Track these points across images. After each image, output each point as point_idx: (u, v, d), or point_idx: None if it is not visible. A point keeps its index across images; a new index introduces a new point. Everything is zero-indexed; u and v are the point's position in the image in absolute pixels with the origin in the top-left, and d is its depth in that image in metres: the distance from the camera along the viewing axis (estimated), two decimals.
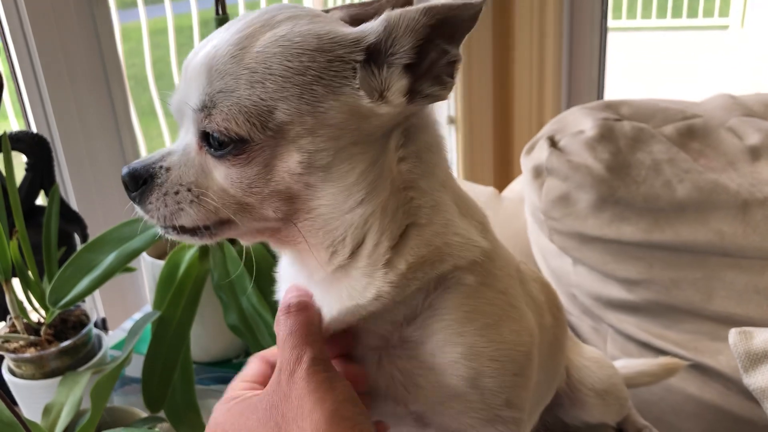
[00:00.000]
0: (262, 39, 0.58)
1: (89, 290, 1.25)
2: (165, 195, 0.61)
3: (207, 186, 0.61)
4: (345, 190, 0.60)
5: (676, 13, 7.24)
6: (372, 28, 0.59)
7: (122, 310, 1.97)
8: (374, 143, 0.60)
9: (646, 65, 6.03)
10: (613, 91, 2.82)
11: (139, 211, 0.64)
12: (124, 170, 0.62)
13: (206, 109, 0.58)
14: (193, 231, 0.63)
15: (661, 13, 7.22)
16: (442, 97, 0.62)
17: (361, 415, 0.58)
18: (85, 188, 1.86)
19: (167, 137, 3.81)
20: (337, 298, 0.62)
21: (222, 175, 0.60)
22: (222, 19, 1.40)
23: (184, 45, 3.84)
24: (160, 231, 0.65)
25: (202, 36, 3.90)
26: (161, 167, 0.62)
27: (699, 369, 1.19)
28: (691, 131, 1.31)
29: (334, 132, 0.58)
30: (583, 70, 2.64)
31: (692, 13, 7.19)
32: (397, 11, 0.58)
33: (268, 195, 0.59)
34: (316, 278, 0.64)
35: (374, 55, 0.59)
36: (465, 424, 0.65)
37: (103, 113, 1.87)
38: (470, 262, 0.64)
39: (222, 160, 0.59)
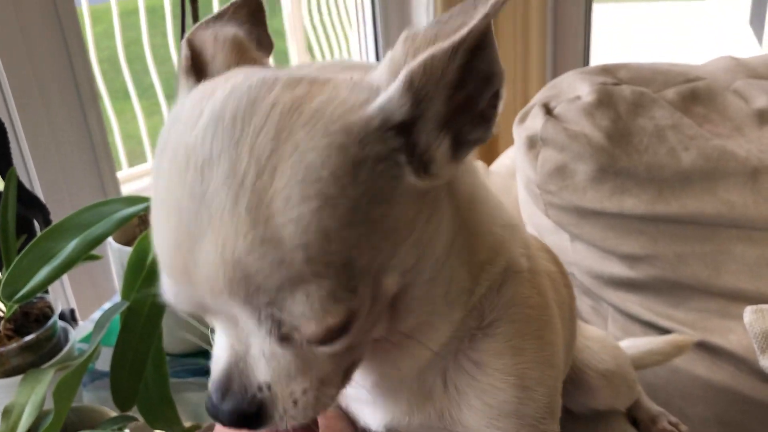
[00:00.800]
0: (280, 195, 0.41)
1: (48, 281, 1.15)
2: (285, 413, 0.48)
3: (319, 371, 0.48)
4: (431, 265, 0.50)
5: None
6: (394, 100, 0.44)
7: (94, 300, 1.89)
8: (436, 206, 0.49)
9: (627, 36, 5.98)
10: (599, 59, 2.75)
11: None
12: (223, 414, 0.48)
13: (285, 324, 0.44)
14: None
15: None
16: (487, 139, 0.49)
17: None
18: (49, 174, 1.77)
19: (141, 121, 3.70)
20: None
21: (316, 352, 0.47)
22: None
23: (157, 26, 3.72)
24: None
25: (175, 16, 3.77)
26: (260, 389, 0.47)
27: (708, 349, 1.12)
28: (695, 95, 1.23)
29: (407, 230, 0.46)
30: (568, 40, 2.59)
31: None
32: (419, 61, 0.43)
33: (371, 326, 0.48)
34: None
35: (404, 128, 0.45)
36: None
37: (67, 95, 1.78)
38: (520, 245, 0.59)
39: (317, 345, 0.46)
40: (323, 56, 4.38)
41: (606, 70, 1.27)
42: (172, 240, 0.44)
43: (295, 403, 0.47)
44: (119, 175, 3.57)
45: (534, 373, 0.57)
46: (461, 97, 0.45)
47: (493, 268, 0.56)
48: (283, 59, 4.23)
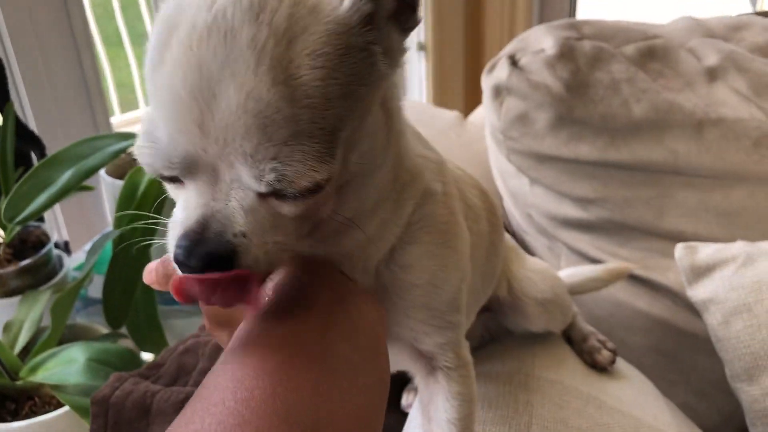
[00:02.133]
0: (295, 61, 0.50)
1: (46, 206, 1.24)
2: (255, 261, 0.53)
3: (284, 230, 0.54)
4: (371, 161, 0.59)
5: None
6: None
7: (86, 233, 1.97)
8: (380, 115, 0.59)
9: None
10: (586, 14, 2.79)
11: None
12: (194, 259, 0.51)
13: (284, 179, 0.50)
14: None
15: None
16: (417, 23, 0.59)
17: None
18: (44, 109, 1.82)
19: (134, 68, 3.72)
20: (341, 240, 0.64)
21: (291, 210, 0.54)
22: None
23: None
24: None
25: None
26: (234, 235, 0.52)
27: (648, 285, 1.22)
28: (652, 52, 1.30)
29: (369, 115, 0.56)
30: None
31: None
32: None
33: (324, 201, 0.56)
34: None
35: (371, 21, 0.54)
36: (420, 332, 0.70)
37: (62, 34, 1.82)
38: (433, 171, 0.70)
39: (295, 199, 0.53)
40: None
41: (572, 25, 1.34)
42: (189, 92, 0.49)
43: (266, 253, 0.53)
44: (112, 120, 3.61)
45: (442, 274, 0.68)
46: None
47: (414, 190, 0.67)
48: None
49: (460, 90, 2.60)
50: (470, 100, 2.59)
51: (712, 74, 1.28)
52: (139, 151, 0.53)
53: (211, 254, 0.51)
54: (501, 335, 0.99)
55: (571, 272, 1.10)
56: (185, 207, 0.53)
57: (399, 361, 0.74)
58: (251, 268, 0.52)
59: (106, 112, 1.96)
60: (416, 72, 2.68)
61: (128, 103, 3.81)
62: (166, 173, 0.53)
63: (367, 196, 0.61)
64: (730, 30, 1.39)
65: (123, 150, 1.38)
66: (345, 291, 0.62)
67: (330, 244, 0.63)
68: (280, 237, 0.54)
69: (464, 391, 0.72)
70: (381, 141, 0.59)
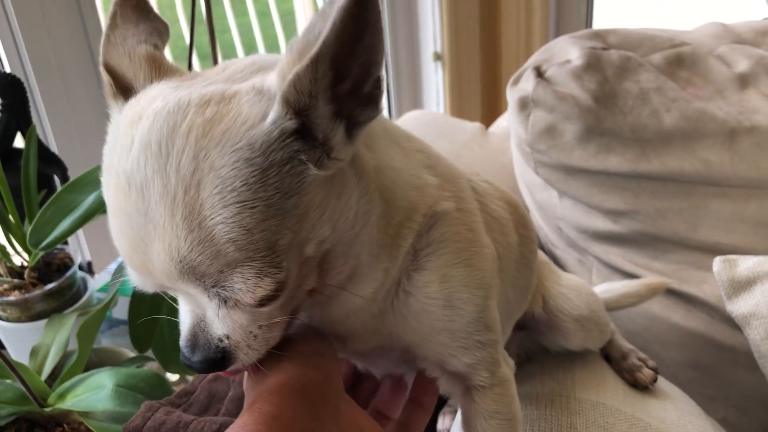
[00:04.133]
0: (206, 204, 0.51)
1: (70, 231, 1.24)
2: (249, 347, 0.59)
3: (265, 317, 0.58)
4: (347, 232, 0.58)
5: None
6: (279, 116, 0.52)
7: (108, 253, 1.96)
8: (346, 182, 0.57)
9: None
10: (602, 24, 2.77)
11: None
12: (196, 365, 0.59)
13: (229, 300, 0.54)
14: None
15: None
16: (376, 116, 0.56)
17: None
18: (64, 129, 1.83)
19: None
20: (348, 299, 0.64)
21: (258, 312, 0.57)
22: None
23: None
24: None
25: None
26: (220, 340, 0.58)
27: (684, 298, 1.19)
28: (680, 59, 1.28)
29: (320, 209, 0.55)
30: (571, 1, 2.60)
31: None
32: (288, 81, 0.51)
33: (303, 282, 0.58)
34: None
35: (300, 132, 0.53)
36: (446, 354, 0.68)
37: (78, 50, 1.82)
38: (441, 190, 0.68)
39: (264, 305, 0.56)
40: None
41: (596, 34, 1.32)
42: (129, 245, 0.54)
43: (255, 337, 0.58)
44: None
45: (461, 295, 0.66)
46: (347, 86, 0.53)
47: (413, 224, 0.65)
48: (293, 22, 4.24)
49: (478, 100, 2.58)
50: (488, 110, 2.58)
51: (744, 81, 1.26)
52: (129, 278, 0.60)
53: (206, 361, 0.58)
54: (538, 354, 0.97)
55: (607, 288, 1.08)
56: (182, 310, 0.61)
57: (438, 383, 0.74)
58: (245, 361, 0.59)
59: None
60: (433, 82, 2.66)
61: None
62: (149, 291, 0.59)
63: (358, 256, 0.61)
64: (758, 35, 1.36)
65: None
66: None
67: (330, 304, 0.64)
68: (264, 323, 0.58)
69: (502, 410, 0.71)
70: (351, 211, 0.58)
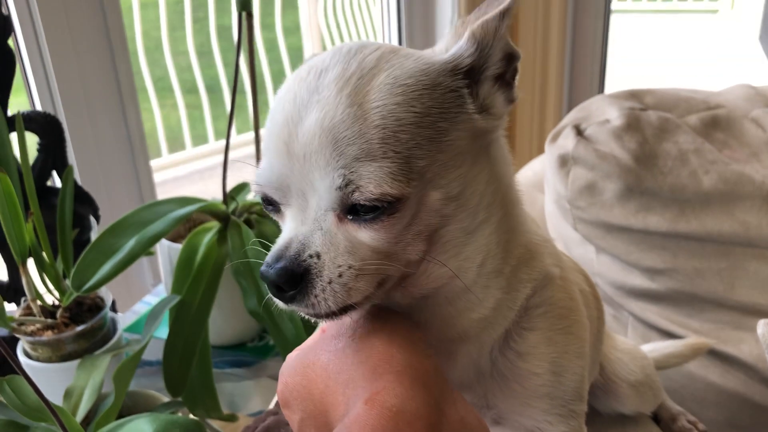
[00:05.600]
0: (374, 90, 0.56)
1: (113, 274, 1.24)
2: (329, 283, 0.57)
3: (361, 256, 0.57)
4: (471, 213, 0.60)
5: None
6: (463, 49, 0.59)
7: (126, 292, 1.96)
8: (483, 161, 0.61)
9: (641, 46, 6.04)
10: (614, 77, 2.82)
11: (292, 307, 0.60)
12: (271, 273, 0.57)
13: (351, 183, 0.55)
14: (352, 306, 0.60)
15: None
16: (514, 99, 0.63)
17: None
18: (90, 168, 1.83)
19: (157, 113, 3.78)
20: (453, 316, 0.64)
21: (369, 236, 0.57)
22: (244, 1, 1.38)
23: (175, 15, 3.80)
24: (321, 319, 0.61)
25: (196, 8, 3.78)
26: (310, 256, 0.57)
27: (721, 357, 1.20)
28: (715, 122, 1.31)
29: (460, 159, 0.59)
30: (585, 54, 2.65)
31: None
32: (478, 23, 0.59)
33: (411, 239, 0.58)
34: (428, 306, 0.65)
35: (471, 74, 0.60)
36: (543, 421, 0.68)
37: (108, 92, 1.84)
38: (551, 256, 0.70)
39: (371, 222, 0.57)
40: None
41: (633, 95, 1.35)
42: (283, 119, 0.58)
43: (339, 276, 0.57)
44: (159, 162, 3.72)
45: (564, 362, 0.68)
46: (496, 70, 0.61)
47: (532, 273, 0.67)
48: (299, 56, 4.30)
49: None
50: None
51: None
52: (254, 179, 0.62)
53: (285, 269, 0.57)
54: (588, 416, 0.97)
55: (651, 348, 1.09)
56: (283, 231, 0.61)
57: None
58: (319, 298, 0.57)
59: (148, 166, 1.97)
60: None
61: (175, 144, 3.94)
62: (270, 194, 0.61)
63: (467, 253, 0.62)
64: None
65: (185, 216, 1.38)
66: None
67: (424, 299, 0.63)
68: (354, 262, 0.57)
69: None
70: (481, 193, 0.61)
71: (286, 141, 0.57)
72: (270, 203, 0.62)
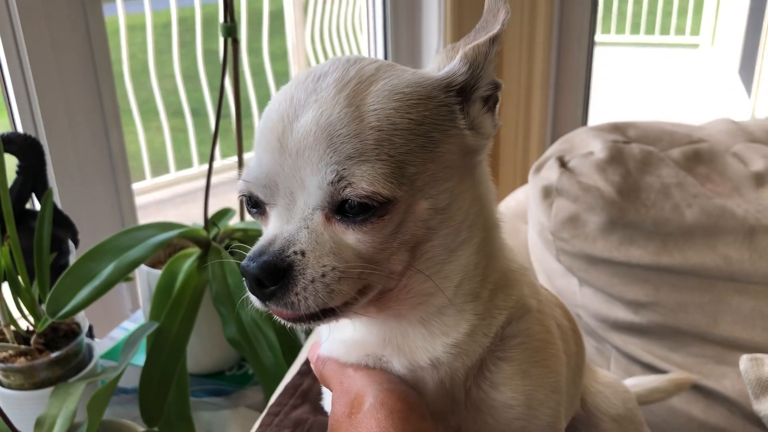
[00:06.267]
0: (371, 94, 0.58)
1: (89, 301, 1.22)
2: (312, 282, 0.56)
3: (347, 258, 0.57)
4: (455, 230, 0.61)
5: (650, 30, 7.37)
6: (456, 68, 0.62)
7: (104, 318, 1.93)
8: (469, 181, 0.63)
9: (622, 79, 6.12)
10: (597, 109, 2.85)
11: (269, 307, 0.59)
12: (253, 266, 0.56)
13: (343, 179, 0.55)
14: (332, 311, 0.60)
15: (635, 30, 7.34)
16: (495, 125, 0.66)
17: None
18: (70, 191, 1.81)
19: (142, 136, 3.76)
20: (426, 340, 0.64)
21: (355, 239, 0.58)
22: (230, 27, 1.38)
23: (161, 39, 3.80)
24: (298, 323, 0.61)
25: (184, 32, 3.79)
26: (294, 253, 0.57)
27: (703, 392, 1.20)
28: (698, 155, 1.32)
29: (449, 173, 0.60)
30: (569, 89, 2.68)
31: (665, 30, 7.33)
32: (469, 46, 0.62)
33: (396, 247, 0.59)
34: (401, 327, 0.65)
35: (462, 93, 0.63)
36: None
37: (92, 113, 1.82)
38: (529, 287, 0.70)
39: (359, 224, 0.57)
40: None
41: (616, 127, 1.36)
42: (278, 116, 0.59)
43: (323, 276, 0.57)
44: (142, 185, 3.71)
45: (539, 395, 0.67)
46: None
47: (508, 301, 0.67)
48: (285, 80, 4.31)
49: None
50: None
51: (760, 179, 1.29)
52: (240, 180, 0.62)
53: (268, 263, 0.56)
54: None
55: (634, 382, 1.08)
56: (265, 232, 0.61)
57: None
58: (300, 297, 0.56)
59: (130, 190, 1.95)
60: None
61: (159, 168, 3.95)
62: (256, 193, 0.60)
63: (446, 271, 0.62)
64: None
65: (166, 242, 1.36)
66: None
67: (397, 319, 0.64)
68: (339, 263, 0.57)
69: None
70: (466, 211, 0.62)
71: (279, 137, 0.58)
72: (255, 205, 0.63)
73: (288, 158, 0.57)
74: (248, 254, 0.58)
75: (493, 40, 0.62)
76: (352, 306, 0.60)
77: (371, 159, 0.56)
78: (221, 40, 1.39)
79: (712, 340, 1.21)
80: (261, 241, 0.59)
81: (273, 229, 0.60)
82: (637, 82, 6.23)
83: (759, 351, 1.11)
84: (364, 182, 0.55)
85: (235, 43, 1.38)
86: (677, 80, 6.34)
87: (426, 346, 0.64)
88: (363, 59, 0.62)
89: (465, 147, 0.62)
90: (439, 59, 0.65)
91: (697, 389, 1.20)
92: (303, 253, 0.57)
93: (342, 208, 0.57)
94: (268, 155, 0.59)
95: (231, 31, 1.35)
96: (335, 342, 0.69)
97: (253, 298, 0.60)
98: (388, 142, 0.56)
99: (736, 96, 5.19)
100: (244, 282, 0.59)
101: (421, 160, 0.58)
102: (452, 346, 0.64)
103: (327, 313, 0.59)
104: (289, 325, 0.62)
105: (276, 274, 0.56)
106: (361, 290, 0.60)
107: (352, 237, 0.57)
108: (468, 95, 0.63)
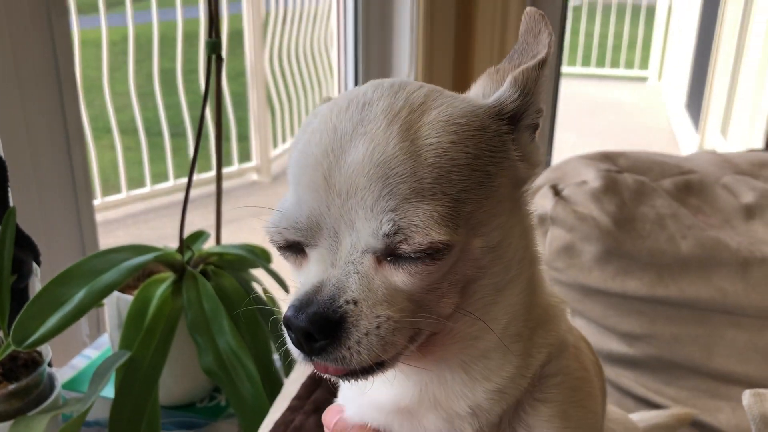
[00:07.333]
0: (425, 126, 0.53)
1: (59, 328, 1.13)
2: (366, 335, 0.51)
3: (400, 305, 0.52)
4: (505, 267, 0.57)
5: (600, 63, 7.56)
6: (507, 94, 0.58)
7: (60, 345, 1.82)
8: (518, 214, 0.59)
9: (575, 109, 6.25)
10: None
11: (316, 361, 0.53)
12: (302, 318, 0.51)
13: (400, 232, 0.50)
14: (383, 363, 0.54)
15: (586, 62, 7.53)
16: (538, 152, 0.62)
17: None
18: (29, 211, 1.71)
19: (120, 154, 3.66)
20: (466, 385, 0.60)
21: (405, 280, 0.52)
22: (214, 42, 1.32)
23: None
24: (345, 378, 0.55)
25: (165, 47, 3.70)
26: (346, 302, 0.51)
27: (698, 426, 1.18)
28: (689, 186, 1.32)
29: (500, 208, 0.56)
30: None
31: (615, 63, 7.53)
32: (519, 70, 0.58)
33: (447, 289, 0.54)
34: (440, 374, 0.60)
35: (512, 121, 0.59)
36: None
37: (54, 130, 1.73)
38: (565, 321, 0.66)
39: (411, 264, 0.52)
40: (281, 104, 4.46)
41: (607, 156, 1.35)
42: (322, 150, 0.53)
43: (377, 327, 0.51)
44: (117, 197, 3.63)
45: None
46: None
47: (548, 337, 0.63)
48: (242, 102, 4.26)
49: None
50: None
51: (750, 212, 1.30)
52: (270, 221, 0.56)
53: (319, 315, 0.51)
54: None
55: (637, 418, 1.05)
56: (305, 277, 0.55)
57: None
58: (353, 351, 0.51)
59: (91, 207, 1.85)
60: None
61: (109, 187, 3.88)
62: (291, 236, 0.55)
63: (494, 313, 0.58)
64: (755, 167, 1.42)
65: (141, 265, 1.28)
66: None
67: (438, 364, 0.59)
68: (394, 313, 0.52)
69: None
70: (515, 247, 0.58)
71: (324, 174, 0.52)
72: (287, 246, 0.56)
73: (336, 198, 0.52)
74: (291, 303, 0.52)
75: (542, 63, 0.58)
76: (401, 355, 0.55)
77: (427, 199, 0.51)
78: (202, 55, 1.33)
79: (706, 373, 1.20)
80: (305, 288, 0.53)
81: (316, 274, 0.54)
82: (589, 112, 6.36)
83: (754, 385, 1.10)
84: (419, 236, 0.50)
85: (219, 60, 1.32)
86: (626, 112, 6.50)
87: (466, 392, 0.59)
88: (407, 84, 0.57)
89: (516, 179, 0.59)
90: (483, 82, 0.61)
91: (692, 424, 1.18)
92: (355, 302, 0.51)
93: (391, 253, 0.52)
94: (311, 194, 0.53)
95: (216, 47, 1.30)
96: (364, 405, 0.64)
97: (295, 352, 0.54)
98: (445, 179, 0.52)
99: (683, 129, 5.33)
100: (286, 334, 0.53)
101: (478, 196, 0.54)
102: (494, 392, 0.59)
103: (381, 365, 0.54)
104: (333, 380, 0.56)
105: (328, 327, 0.51)
106: (411, 337, 0.55)
107: (401, 278, 0.52)
108: (517, 123, 0.59)
